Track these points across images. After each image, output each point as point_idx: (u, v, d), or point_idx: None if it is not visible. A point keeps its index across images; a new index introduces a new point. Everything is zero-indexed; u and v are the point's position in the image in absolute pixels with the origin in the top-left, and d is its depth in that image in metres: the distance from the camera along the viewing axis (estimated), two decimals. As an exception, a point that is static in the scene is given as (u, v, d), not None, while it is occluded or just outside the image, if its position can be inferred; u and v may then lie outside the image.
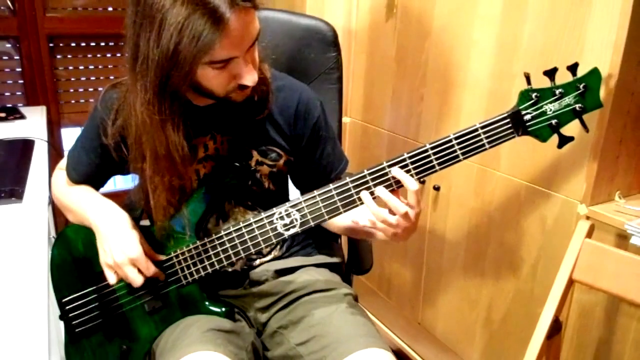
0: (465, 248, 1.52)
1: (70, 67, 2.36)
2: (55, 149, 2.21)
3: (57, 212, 1.96)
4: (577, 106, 0.88)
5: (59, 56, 2.32)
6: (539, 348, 1.07)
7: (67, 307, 1.06)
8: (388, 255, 1.84)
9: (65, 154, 1.13)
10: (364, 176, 0.90)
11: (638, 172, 1.20)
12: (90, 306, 1.05)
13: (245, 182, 1.01)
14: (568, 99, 0.88)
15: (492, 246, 1.43)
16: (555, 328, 1.10)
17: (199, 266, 1.00)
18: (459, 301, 1.57)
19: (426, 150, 0.88)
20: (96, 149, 1.03)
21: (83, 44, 2.36)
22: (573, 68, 0.88)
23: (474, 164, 1.43)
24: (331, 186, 0.91)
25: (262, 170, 1.05)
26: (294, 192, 1.18)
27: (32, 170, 1.44)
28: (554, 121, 0.88)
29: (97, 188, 1.10)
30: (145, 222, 1.04)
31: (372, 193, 0.90)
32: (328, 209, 0.92)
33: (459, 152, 0.88)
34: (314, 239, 1.17)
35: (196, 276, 1.01)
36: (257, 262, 1.09)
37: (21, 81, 2.27)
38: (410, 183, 0.88)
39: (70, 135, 2.42)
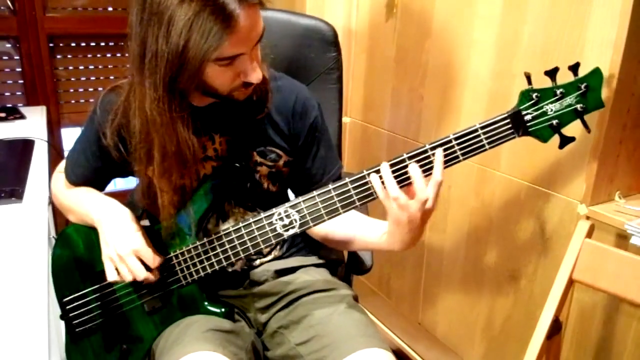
0: (465, 248, 1.52)
1: (70, 67, 2.36)
2: (55, 149, 2.21)
3: (57, 212, 1.96)
4: (579, 106, 0.87)
5: (59, 56, 2.32)
6: (539, 348, 1.07)
7: (68, 307, 1.06)
8: (388, 256, 1.84)
9: (65, 154, 1.12)
10: (364, 177, 0.90)
11: (638, 172, 1.20)
12: (91, 306, 1.05)
13: (243, 183, 1.01)
14: (569, 99, 0.87)
15: (492, 246, 1.43)
16: (555, 328, 1.10)
17: (199, 266, 1.00)
18: (459, 301, 1.57)
19: (425, 151, 0.88)
20: (95, 152, 1.03)
21: (83, 44, 2.36)
22: (574, 68, 0.87)
23: (474, 164, 1.43)
24: (330, 187, 0.91)
25: (262, 171, 1.05)
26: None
27: (32, 170, 1.44)
28: (555, 121, 0.88)
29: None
30: (144, 223, 1.04)
31: (405, 167, 0.86)
32: (327, 210, 0.92)
33: (458, 152, 0.88)
34: (314, 239, 1.17)
35: (196, 276, 1.01)
36: (257, 262, 1.09)
37: (21, 81, 2.26)
38: (436, 172, 0.85)
39: (70, 136, 2.42)
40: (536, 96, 0.87)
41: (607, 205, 1.17)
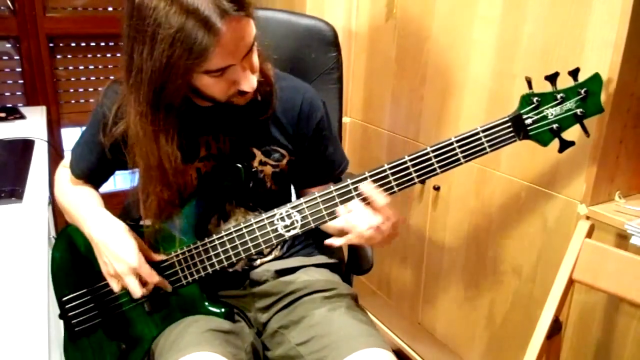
0: (466, 248, 1.52)
1: (70, 67, 2.36)
2: (55, 149, 2.21)
3: (57, 212, 1.96)
4: (579, 111, 0.88)
5: (59, 56, 2.32)
6: (539, 348, 1.07)
7: (67, 306, 1.06)
8: (388, 256, 1.84)
9: (66, 153, 1.13)
10: (365, 177, 0.90)
11: (638, 172, 1.20)
12: (90, 305, 1.05)
13: (242, 183, 1.00)
14: (569, 104, 0.88)
15: (492, 246, 1.43)
16: (555, 328, 1.10)
17: (199, 266, 1.00)
18: (459, 301, 1.57)
19: (427, 153, 0.88)
20: (99, 145, 1.03)
21: (83, 44, 2.36)
22: (574, 73, 0.88)
23: (474, 164, 1.43)
24: (332, 187, 0.91)
25: (265, 171, 1.05)
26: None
27: (32, 170, 1.44)
28: (555, 125, 0.88)
29: (99, 183, 1.11)
30: (147, 222, 1.04)
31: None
32: (329, 211, 0.92)
33: (460, 155, 0.88)
34: (314, 239, 1.17)
35: (196, 276, 1.01)
36: (258, 262, 1.09)
37: (21, 81, 2.26)
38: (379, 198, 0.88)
39: (70, 135, 2.42)
40: (537, 100, 0.88)
41: (607, 205, 1.17)
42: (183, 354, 0.90)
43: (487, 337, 1.50)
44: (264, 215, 0.95)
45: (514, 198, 1.35)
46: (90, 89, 2.41)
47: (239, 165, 0.99)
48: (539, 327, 1.08)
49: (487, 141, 0.88)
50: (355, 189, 0.90)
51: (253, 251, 0.97)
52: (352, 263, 1.26)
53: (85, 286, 1.05)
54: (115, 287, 0.98)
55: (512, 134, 0.88)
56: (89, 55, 2.38)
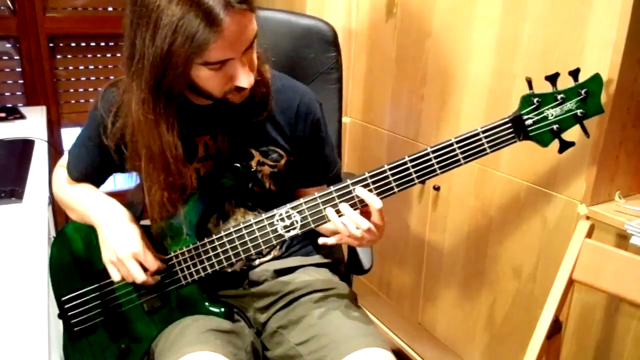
0: (465, 248, 1.52)
1: (70, 67, 2.36)
2: (55, 149, 2.21)
3: (57, 212, 1.96)
4: (579, 111, 0.88)
5: (59, 56, 2.32)
6: (539, 348, 1.07)
7: (66, 306, 1.06)
8: (388, 255, 1.84)
9: (66, 153, 1.13)
10: (365, 178, 0.90)
11: (638, 172, 1.20)
12: (89, 305, 1.05)
13: (242, 183, 1.01)
14: (570, 104, 0.88)
15: (492, 246, 1.43)
16: (555, 328, 1.10)
17: (199, 266, 1.00)
18: (459, 301, 1.57)
19: (427, 154, 0.88)
20: (96, 147, 1.03)
21: (83, 44, 2.36)
22: (575, 73, 0.88)
23: (474, 164, 1.43)
24: (332, 188, 0.91)
25: (264, 171, 1.05)
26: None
27: (32, 170, 1.44)
28: (555, 126, 0.88)
29: (97, 186, 1.11)
30: (145, 222, 1.04)
31: (337, 211, 0.91)
32: (328, 210, 0.92)
33: (460, 156, 0.88)
34: (313, 239, 1.17)
35: (196, 276, 1.01)
36: (257, 262, 1.09)
37: (21, 81, 2.27)
38: (375, 202, 0.89)
39: (70, 135, 2.42)
40: (537, 101, 0.87)
41: (607, 205, 1.17)
42: (183, 353, 0.90)
43: (487, 337, 1.50)
44: (263, 216, 0.95)
45: (514, 198, 1.35)
46: (90, 89, 2.41)
47: (238, 165, 0.99)
48: (539, 327, 1.08)
49: (487, 142, 0.88)
50: (355, 189, 0.91)
51: (253, 251, 0.97)
52: (351, 263, 1.26)
53: (85, 286, 1.05)
54: (116, 275, 0.98)
55: (512, 135, 0.88)
56: (89, 55, 2.38)
